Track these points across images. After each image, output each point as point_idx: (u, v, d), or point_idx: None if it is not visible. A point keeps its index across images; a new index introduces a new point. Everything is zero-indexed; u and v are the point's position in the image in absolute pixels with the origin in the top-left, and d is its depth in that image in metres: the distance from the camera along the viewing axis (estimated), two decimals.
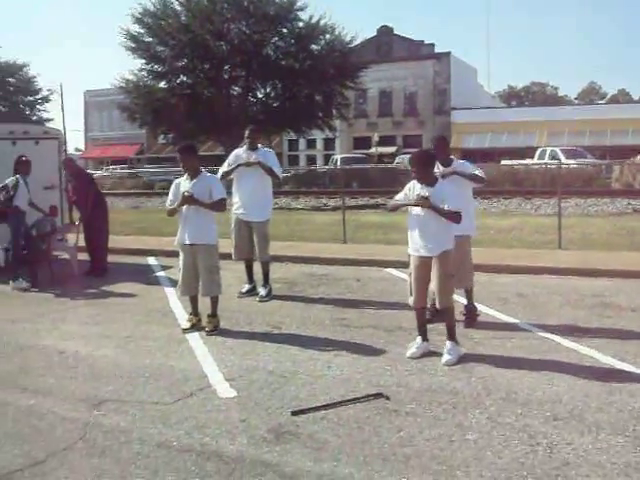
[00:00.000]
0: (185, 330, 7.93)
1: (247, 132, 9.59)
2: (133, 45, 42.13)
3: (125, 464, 4.55)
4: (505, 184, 27.77)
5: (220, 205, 7.85)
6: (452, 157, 7.82)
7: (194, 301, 8.08)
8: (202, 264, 7.85)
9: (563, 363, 6.38)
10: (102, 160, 71.46)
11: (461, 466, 4.35)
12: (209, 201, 7.75)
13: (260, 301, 9.44)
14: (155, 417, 5.36)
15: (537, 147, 40.46)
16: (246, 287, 9.88)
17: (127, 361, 6.86)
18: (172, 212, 8.01)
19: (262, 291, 9.64)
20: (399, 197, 6.84)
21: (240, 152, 9.55)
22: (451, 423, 5.05)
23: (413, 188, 6.67)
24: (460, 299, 7.79)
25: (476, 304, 8.08)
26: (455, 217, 6.50)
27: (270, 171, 9.40)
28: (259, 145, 9.63)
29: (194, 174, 7.86)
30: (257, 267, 9.87)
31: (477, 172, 7.60)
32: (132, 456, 4.67)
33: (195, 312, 8.10)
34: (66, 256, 12.38)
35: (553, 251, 12.51)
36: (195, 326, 7.98)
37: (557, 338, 7.19)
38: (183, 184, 7.92)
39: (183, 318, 8.39)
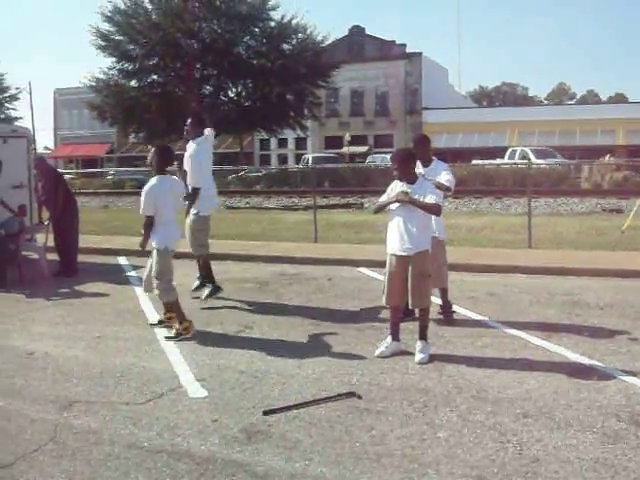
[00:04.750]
0: (151, 325, 8.06)
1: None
2: (103, 43, 41.85)
3: (96, 465, 4.52)
4: (476, 183, 27.92)
5: None
6: (433, 157, 7.86)
7: None
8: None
9: (533, 361, 6.44)
10: (72, 159, 70.77)
11: (432, 464, 4.37)
12: None
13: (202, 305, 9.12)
14: (126, 418, 5.32)
15: (508, 147, 40.76)
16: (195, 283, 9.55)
17: (97, 362, 6.79)
18: None
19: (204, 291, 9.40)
20: (382, 199, 6.88)
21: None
22: (422, 421, 5.07)
23: (395, 187, 6.72)
24: (434, 299, 7.82)
25: None
26: (434, 209, 6.55)
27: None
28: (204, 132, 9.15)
29: None
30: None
31: (444, 180, 7.56)
32: (103, 457, 4.63)
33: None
34: (35, 256, 12.24)
35: (523, 250, 12.61)
36: (162, 322, 7.98)
37: (527, 336, 7.26)
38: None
39: (154, 317, 8.37)
